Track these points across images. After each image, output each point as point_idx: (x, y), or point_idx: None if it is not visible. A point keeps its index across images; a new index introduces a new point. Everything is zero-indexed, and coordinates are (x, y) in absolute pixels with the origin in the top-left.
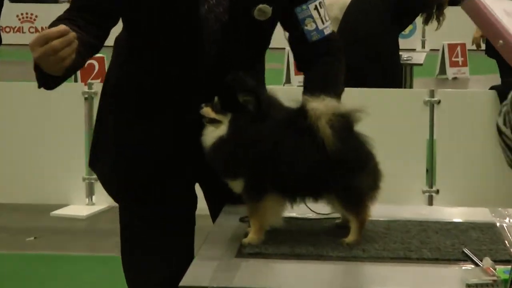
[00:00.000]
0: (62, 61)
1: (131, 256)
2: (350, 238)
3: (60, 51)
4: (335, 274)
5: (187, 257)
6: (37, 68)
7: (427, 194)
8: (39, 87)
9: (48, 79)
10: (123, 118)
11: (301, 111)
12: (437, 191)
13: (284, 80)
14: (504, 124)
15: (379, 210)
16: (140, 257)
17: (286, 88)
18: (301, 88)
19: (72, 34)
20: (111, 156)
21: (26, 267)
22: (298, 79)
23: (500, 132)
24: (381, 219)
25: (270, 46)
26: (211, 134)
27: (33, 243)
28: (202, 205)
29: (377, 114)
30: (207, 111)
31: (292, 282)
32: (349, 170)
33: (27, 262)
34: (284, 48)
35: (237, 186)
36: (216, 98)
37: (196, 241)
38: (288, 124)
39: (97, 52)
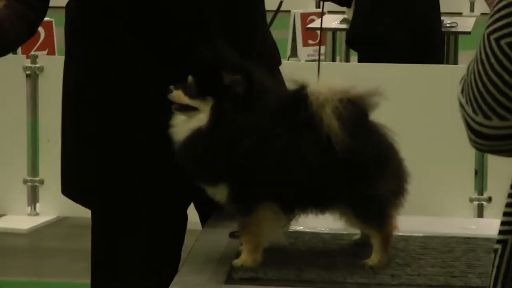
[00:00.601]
0: None
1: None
2: (373, 259)
3: None
4: None
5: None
6: None
7: (476, 202)
8: None
9: None
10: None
11: (300, 96)
12: (489, 199)
13: (288, 53)
14: (462, 91)
15: (413, 223)
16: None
17: (291, 64)
18: (311, 64)
19: None
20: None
21: None
22: (307, 52)
23: (460, 104)
24: (415, 234)
25: (271, 8)
26: (184, 126)
27: None
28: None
29: (406, 98)
30: (178, 95)
31: None
32: (363, 172)
33: None
34: (289, 11)
35: (219, 194)
36: (190, 78)
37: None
38: (284, 113)
39: (35, 29)
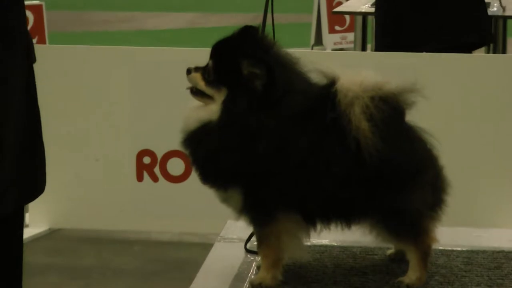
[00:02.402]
0: None
1: None
2: (411, 276)
3: None
4: None
5: None
6: None
7: None
8: None
9: None
10: None
11: (327, 94)
12: None
13: (312, 41)
14: None
15: (456, 236)
16: None
17: (316, 53)
18: (338, 53)
19: None
20: None
21: None
22: (333, 39)
23: None
24: (458, 248)
25: None
26: (196, 114)
27: None
28: (192, 228)
29: (448, 94)
30: (194, 77)
31: None
32: (396, 182)
33: None
34: None
35: (232, 200)
36: (210, 62)
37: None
38: (309, 114)
39: None
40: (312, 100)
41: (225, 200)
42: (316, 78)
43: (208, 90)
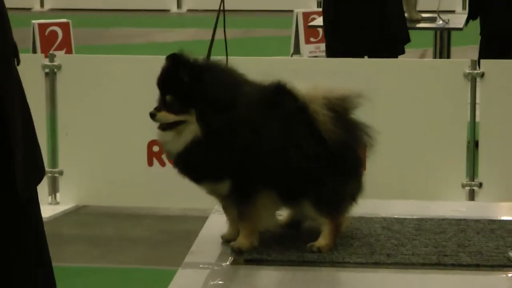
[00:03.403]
0: None
1: None
2: (321, 242)
3: None
4: (353, 284)
5: None
6: None
7: (467, 188)
8: None
9: None
10: None
11: (282, 89)
12: (480, 185)
13: (292, 50)
14: None
15: (409, 207)
16: None
17: (295, 60)
18: (313, 60)
19: None
20: None
21: None
22: (309, 49)
23: None
24: (410, 217)
25: (274, 8)
26: (177, 140)
27: None
28: (194, 205)
29: (405, 91)
30: (163, 115)
31: None
32: (343, 168)
33: None
34: (291, 11)
35: (222, 188)
36: (168, 97)
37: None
38: (271, 105)
39: None
40: (269, 93)
41: (212, 191)
42: (264, 81)
43: (181, 118)
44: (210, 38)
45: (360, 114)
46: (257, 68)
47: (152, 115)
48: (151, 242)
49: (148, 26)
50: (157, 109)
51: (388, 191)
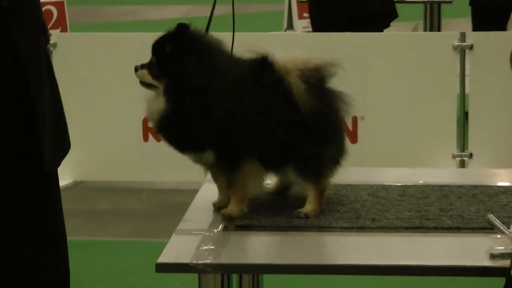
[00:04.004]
0: None
1: None
2: (308, 208)
3: None
4: (339, 247)
5: None
6: None
7: (458, 159)
8: None
9: None
10: None
11: (265, 63)
12: (470, 155)
13: (285, 26)
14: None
15: (394, 174)
16: None
17: (288, 35)
18: (306, 35)
19: None
20: None
21: None
22: (302, 24)
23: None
24: (395, 184)
25: None
26: (152, 107)
27: None
28: (188, 178)
29: (395, 64)
30: (142, 73)
31: (290, 256)
32: (320, 135)
33: None
34: None
35: (206, 158)
36: (153, 58)
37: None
38: (252, 78)
39: None
40: (252, 66)
41: (198, 160)
42: (252, 55)
43: (154, 82)
44: (204, 15)
45: (351, 87)
46: (251, 44)
47: (135, 69)
48: (147, 215)
49: (141, 3)
50: (142, 66)
51: (379, 163)
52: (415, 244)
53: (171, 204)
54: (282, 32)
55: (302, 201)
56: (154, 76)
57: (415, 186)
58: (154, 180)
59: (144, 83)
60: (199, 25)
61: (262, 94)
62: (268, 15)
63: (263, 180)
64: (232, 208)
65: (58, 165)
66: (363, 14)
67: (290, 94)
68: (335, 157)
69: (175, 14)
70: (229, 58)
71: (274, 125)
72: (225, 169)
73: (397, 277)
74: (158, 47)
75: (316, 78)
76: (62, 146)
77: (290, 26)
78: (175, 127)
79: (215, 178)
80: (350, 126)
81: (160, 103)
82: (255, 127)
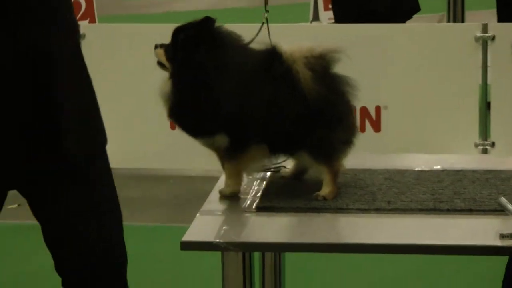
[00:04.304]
0: None
1: None
2: (325, 190)
3: None
4: (355, 228)
5: None
6: None
7: (480, 147)
8: None
9: None
10: None
11: (274, 54)
12: (492, 144)
13: (311, 17)
14: None
15: (410, 160)
16: None
17: (314, 26)
18: (332, 26)
19: None
20: None
21: (8, 237)
22: (328, 15)
23: None
24: (411, 169)
25: None
26: (162, 90)
27: (16, 211)
28: (205, 166)
29: (418, 54)
30: (158, 53)
31: (308, 236)
32: (328, 120)
33: (9, 232)
34: None
35: (216, 143)
36: (170, 41)
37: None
38: (263, 68)
39: None
40: (262, 57)
41: (210, 145)
42: (261, 46)
43: (167, 64)
44: (227, 7)
45: (374, 77)
46: (277, 36)
47: (155, 46)
48: (174, 202)
49: None
50: (161, 45)
51: (402, 151)
52: (428, 225)
53: (199, 191)
54: (308, 24)
55: (318, 185)
56: (167, 58)
57: (430, 170)
58: (181, 168)
59: (159, 63)
60: (222, 17)
61: (271, 85)
62: (294, 7)
63: (265, 162)
64: (233, 188)
65: (85, 158)
66: (386, 8)
67: (298, 83)
68: (346, 138)
69: (200, 6)
70: (243, 52)
71: (283, 114)
72: (232, 153)
73: (412, 256)
74: (176, 32)
75: (321, 65)
76: (87, 139)
77: (316, 18)
78: (182, 113)
79: (223, 161)
80: (373, 116)
81: (168, 86)
82: (263, 118)
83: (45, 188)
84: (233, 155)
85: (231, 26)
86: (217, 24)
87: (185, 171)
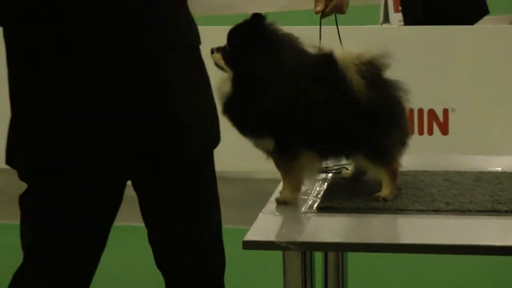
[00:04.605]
0: None
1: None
2: (385, 191)
3: None
4: (414, 229)
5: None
6: None
7: None
8: None
9: None
10: None
11: (330, 60)
12: None
13: (381, 19)
14: None
15: (469, 161)
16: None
17: (385, 28)
18: (401, 28)
19: None
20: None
21: None
22: (398, 17)
23: None
24: (471, 170)
25: None
26: (221, 88)
27: None
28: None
29: (484, 56)
30: (216, 57)
31: (367, 236)
32: (382, 124)
33: None
34: None
35: (266, 145)
36: (227, 45)
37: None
38: (317, 74)
39: None
40: (318, 63)
41: (259, 145)
42: (313, 50)
43: (226, 67)
44: (301, 9)
45: (441, 80)
46: (346, 38)
47: (211, 51)
48: (242, 202)
49: None
50: (218, 49)
51: (470, 153)
52: (486, 226)
53: (266, 193)
54: (378, 26)
55: (378, 186)
56: (226, 61)
57: (490, 172)
58: (249, 170)
59: (217, 65)
60: (295, 19)
61: (323, 91)
62: (365, 9)
63: (318, 168)
64: (287, 195)
65: (189, 157)
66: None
67: (351, 90)
68: (401, 139)
69: (272, 8)
70: (298, 53)
71: (333, 118)
72: (282, 158)
73: (471, 257)
74: (231, 36)
75: (371, 71)
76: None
77: (386, 20)
78: (237, 113)
79: (278, 165)
80: (441, 118)
81: (227, 87)
82: (313, 122)
83: (162, 180)
84: (282, 161)
85: (302, 29)
86: (267, 21)
87: (252, 174)
